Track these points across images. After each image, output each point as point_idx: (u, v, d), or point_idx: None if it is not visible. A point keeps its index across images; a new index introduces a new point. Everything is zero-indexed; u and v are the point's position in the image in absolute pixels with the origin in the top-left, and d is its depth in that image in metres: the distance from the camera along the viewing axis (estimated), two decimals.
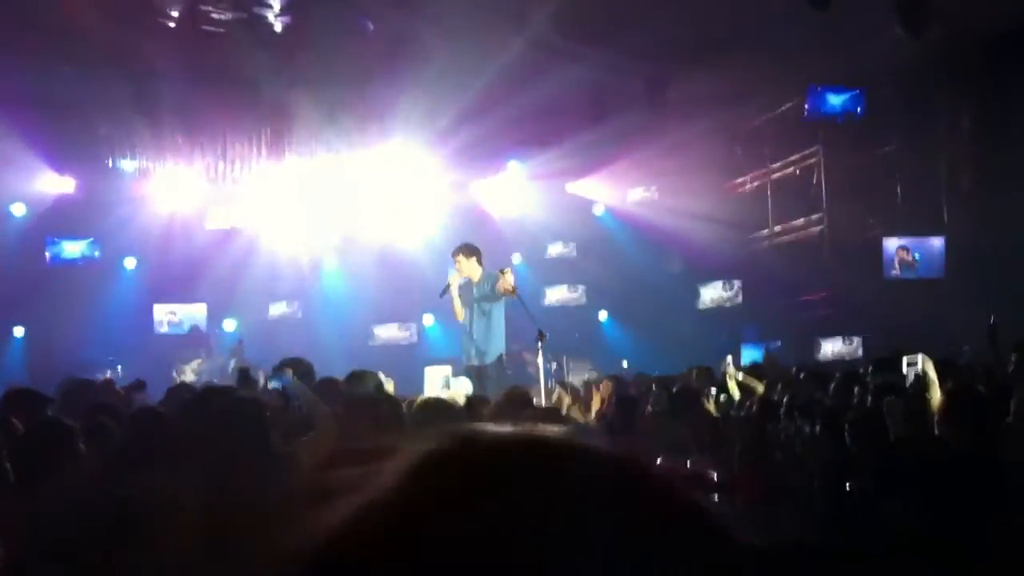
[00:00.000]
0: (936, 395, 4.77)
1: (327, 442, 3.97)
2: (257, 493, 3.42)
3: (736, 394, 7.58)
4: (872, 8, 11.29)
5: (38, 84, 13.53)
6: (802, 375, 8.20)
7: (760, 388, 7.61)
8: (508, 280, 8.83)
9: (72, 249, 16.28)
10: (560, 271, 17.80)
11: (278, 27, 12.37)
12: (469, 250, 9.22)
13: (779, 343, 14.59)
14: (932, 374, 5.04)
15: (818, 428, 5.33)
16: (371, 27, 12.48)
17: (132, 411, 4.82)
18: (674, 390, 7.52)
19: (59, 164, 15.78)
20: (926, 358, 5.22)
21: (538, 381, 8.69)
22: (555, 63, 13.05)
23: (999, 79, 12.51)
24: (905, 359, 5.48)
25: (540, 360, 8.60)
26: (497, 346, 8.92)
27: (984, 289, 11.89)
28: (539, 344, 8.54)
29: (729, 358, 8.36)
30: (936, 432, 4.00)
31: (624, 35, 12.20)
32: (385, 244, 16.69)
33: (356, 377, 5.18)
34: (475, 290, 9.09)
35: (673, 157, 16.07)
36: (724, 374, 8.00)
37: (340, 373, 6.13)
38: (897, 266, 13.77)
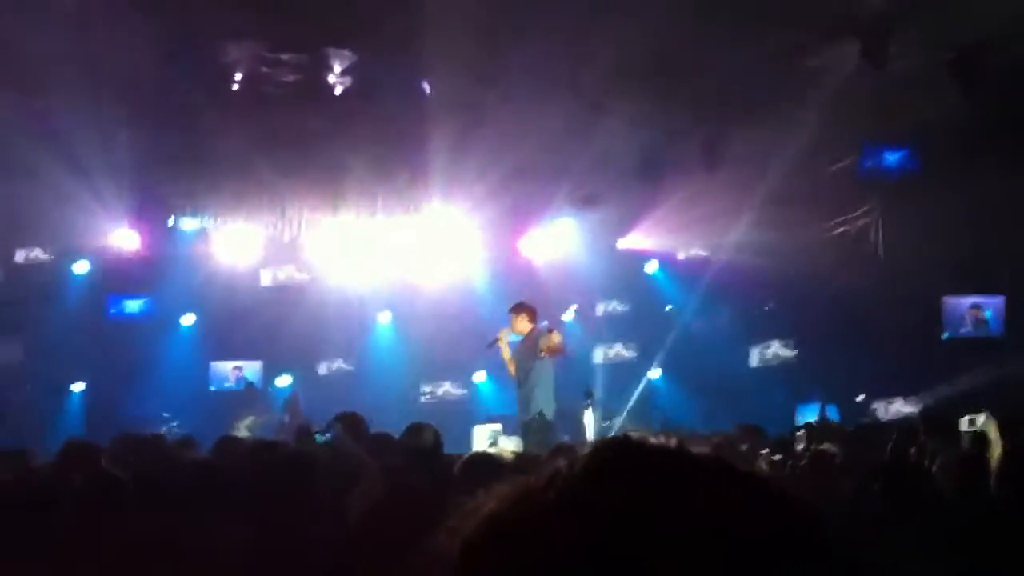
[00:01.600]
0: (996, 455, 4.66)
1: (373, 494, 3.99)
2: (305, 542, 3.45)
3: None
4: (926, 66, 11.26)
5: (103, 144, 13.92)
6: (858, 434, 8.07)
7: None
8: (553, 340, 9.02)
9: (132, 306, 16.60)
10: (611, 329, 17.73)
11: (338, 90, 12.64)
12: (520, 308, 9.42)
13: (835, 405, 14.37)
14: (994, 433, 4.93)
15: (874, 486, 5.23)
16: (428, 90, 12.70)
17: (185, 464, 4.89)
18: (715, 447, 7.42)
19: (122, 222, 16.16)
20: (989, 416, 5.12)
21: (586, 439, 8.68)
22: (608, 122, 13.17)
23: None
24: (966, 418, 5.38)
25: (587, 418, 8.64)
26: (538, 403, 9.02)
27: None
28: (588, 402, 8.60)
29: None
30: (993, 494, 3.91)
31: (677, 94, 12.29)
32: (438, 301, 16.77)
33: (414, 430, 5.20)
34: (521, 348, 9.25)
35: (726, 215, 16.02)
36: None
37: (392, 428, 6.15)
38: (969, 324, 13.54)
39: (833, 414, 13.35)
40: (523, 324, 9.34)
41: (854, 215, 15.50)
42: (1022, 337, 12.49)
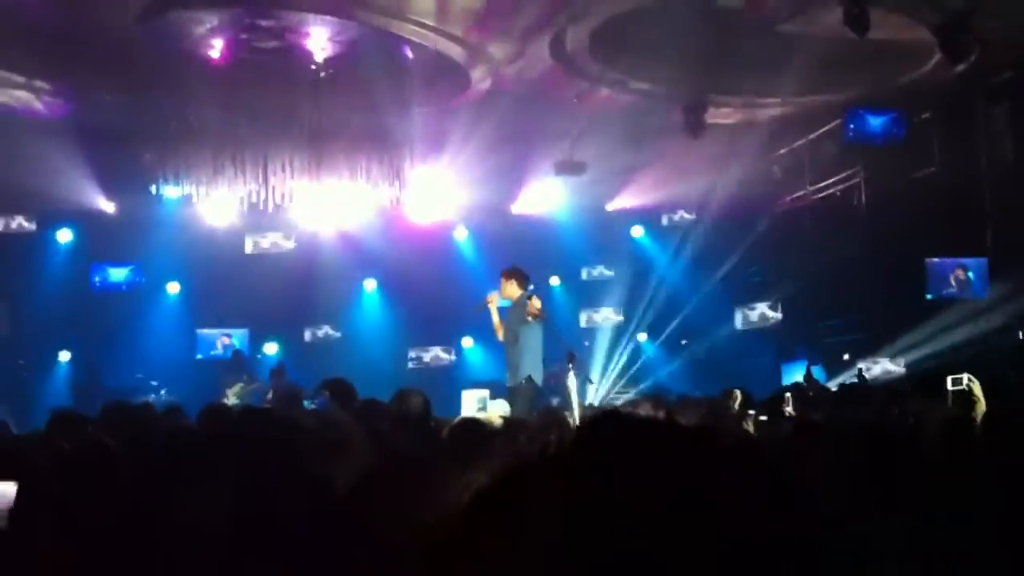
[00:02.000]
0: (980, 414, 4.72)
1: (362, 462, 3.99)
2: (291, 510, 3.45)
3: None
4: (912, 32, 11.24)
5: (83, 111, 13.82)
6: (843, 395, 8.13)
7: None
8: (533, 305, 9.07)
9: (117, 274, 16.54)
10: (598, 293, 17.81)
11: (319, 55, 12.53)
12: (510, 273, 9.44)
13: (820, 365, 14.48)
14: (979, 392, 4.98)
15: (860, 449, 5.27)
16: (411, 56, 12.60)
17: (173, 431, 4.88)
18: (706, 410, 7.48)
19: (104, 190, 16.08)
20: (972, 377, 5.17)
21: (571, 402, 8.74)
22: (592, 87, 13.13)
23: None
24: (950, 378, 5.43)
25: (571, 381, 8.68)
26: (526, 367, 9.07)
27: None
28: (570, 366, 8.65)
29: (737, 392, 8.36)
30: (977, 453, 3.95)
31: (661, 59, 12.25)
32: (424, 266, 16.78)
33: (403, 396, 5.20)
34: (511, 312, 9.29)
35: (712, 179, 16.06)
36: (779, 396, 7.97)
37: (380, 395, 6.16)
38: (954, 284, 13.63)
39: (819, 374, 13.45)
40: (512, 289, 9.35)
41: (839, 178, 15.56)
42: (1004, 298, 12.57)
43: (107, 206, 16.39)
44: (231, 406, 11.47)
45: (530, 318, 9.03)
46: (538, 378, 9.06)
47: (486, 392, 8.55)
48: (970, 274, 13.73)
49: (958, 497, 3.36)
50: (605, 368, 15.62)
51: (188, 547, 3.26)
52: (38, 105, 13.65)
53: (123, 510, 3.56)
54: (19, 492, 3.81)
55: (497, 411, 7.45)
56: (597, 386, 13.24)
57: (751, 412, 7.60)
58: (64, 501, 3.65)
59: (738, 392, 8.17)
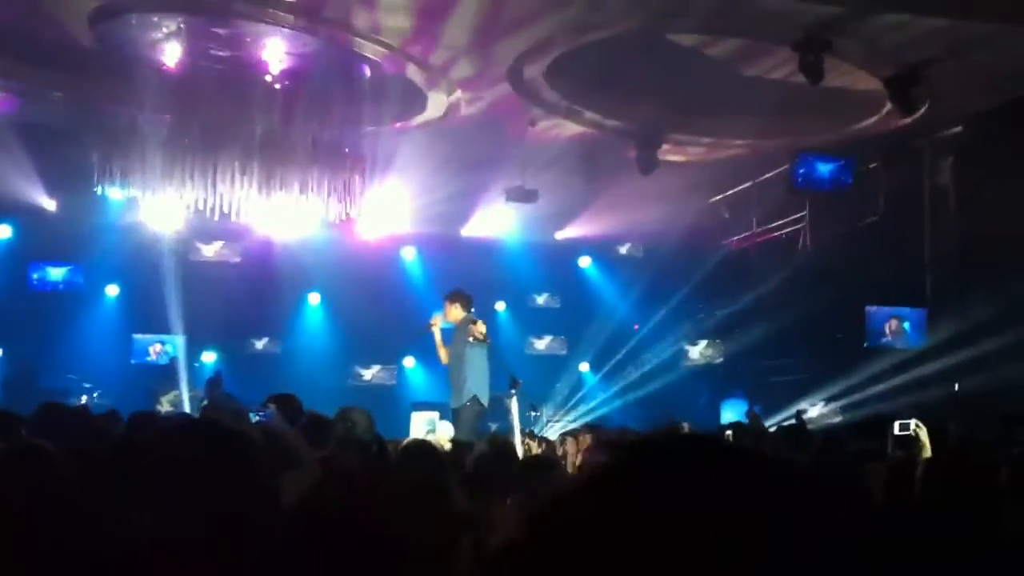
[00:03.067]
0: (923, 459, 4.79)
1: (309, 478, 3.94)
2: (240, 526, 3.39)
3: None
4: (864, 82, 11.49)
5: (30, 108, 13.59)
6: (781, 435, 8.22)
7: None
8: (478, 328, 9.12)
9: (56, 274, 16.24)
10: (544, 321, 17.87)
11: (275, 67, 12.46)
12: (454, 296, 9.49)
13: (759, 404, 14.65)
14: (925, 439, 5.07)
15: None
16: (368, 72, 12.58)
17: (115, 438, 4.78)
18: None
19: (46, 188, 15.79)
20: (919, 424, 5.26)
21: (514, 428, 8.75)
22: (548, 117, 13.21)
23: (980, 152, 12.73)
24: (897, 423, 5.52)
25: (514, 407, 8.70)
26: (469, 389, 9.09)
27: (962, 362, 12.05)
28: (513, 391, 8.68)
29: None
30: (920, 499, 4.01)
31: (616, 95, 12.38)
32: (369, 284, 16.70)
33: (347, 414, 5.15)
34: (455, 335, 9.33)
35: (662, 216, 16.22)
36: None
37: (321, 410, 6.10)
38: (889, 333, 13.87)
39: (758, 413, 13.61)
40: (456, 312, 9.42)
41: (785, 221, 15.81)
42: (941, 348, 12.83)
43: (48, 204, 16.10)
44: (164, 414, 11.30)
45: (471, 339, 9.08)
46: (484, 400, 9.08)
47: (435, 414, 8.53)
48: (905, 324, 14.01)
49: (900, 539, 3.41)
50: (546, 397, 15.63)
51: (135, 556, 3.19)
52: None
53: (65, 518, 3.48)
54: None
55: (445, 434, 7.42)
56: (540, 414, 13.26)
57: None
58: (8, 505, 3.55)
59: (685, 426, 8.24)
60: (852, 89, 11.73)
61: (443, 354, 9.50)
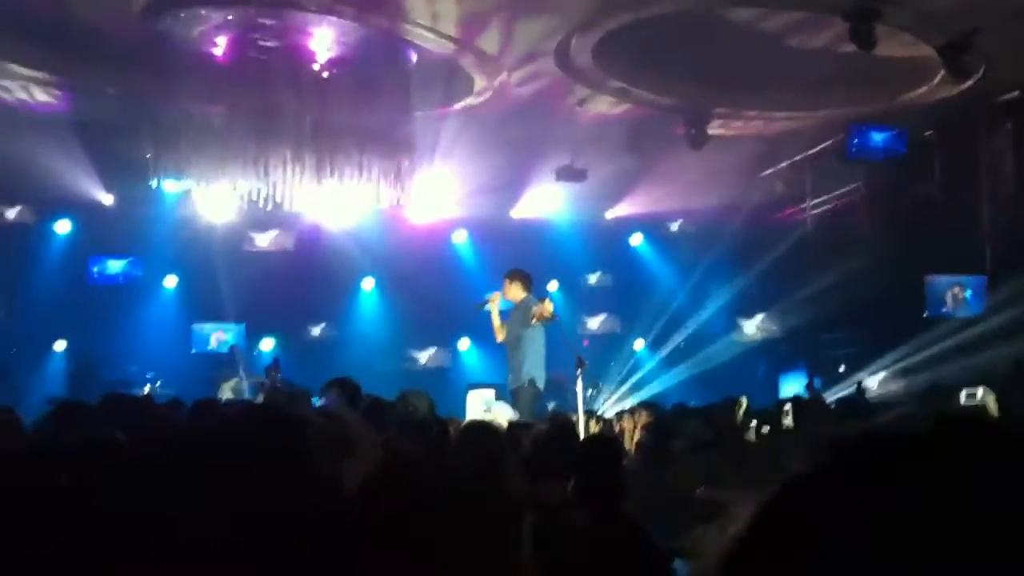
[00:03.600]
0: None
1: (370, 464, 3.98)
2: (302, 510, 3.44)
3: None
4: (916, 50, 11.29)
5: (84, 105, 13.81)
6: (843, 408, 8.14)
7: None
8: (546, 308, 9.05)
9: (115, 267, 16.54)
10: (597, 300, 17.84)
11: (322, 56, 12.53)
12: (514, 275, 9.47)
13: (819, 377, 14.52)
14: (993, 406, 5.00)
15: None
16: (415, 59, 12.60)
17: (179, 427, 4.87)
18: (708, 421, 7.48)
19: (103, 182, 16.08)
20: (987, 390, 5.18)
21: (576, 408, 8.75)
22: (596, 95, 13.14)
23: None
24: (964, 391, 5.45)
25: (579, 387, 8.68)
26: (527, 371, 9.09)
27: (1021, 331, 11.86)
28: (578, 371, 8.64)
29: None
30: None
31: (665, 70, 12.28)
32: (423, 267, 16.78)
33: (407, 397, 5.18)
34: (513, 315, 9.30)
35: (713, 191, 16.10)
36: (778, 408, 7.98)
37: (378, 394, 6.15)
38: (950, 302, 13.67)
39: (817, 387, 13.50)
40: (516, 291, 9.37)
41: (840, 193, 15.62)
42: (1002, 317, 12.62)
43: (106, 199, 16.39)
44: (224, 401, 11.47)
45: (534, 321, 9.05)
46: (540, 382, 9.08)
47: (491, 392, 8.53)
48: (967, 292, 13.79)
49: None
50: (601, 375, 15.60)
51: (200, 544, 3.25)
52: (40, 97, 13.63)
53: (134, 504, 3.55)
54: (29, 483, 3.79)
55: (503, 414, 7.44)
56: (602, 393, 13.26)
57: (752, 423, 7.62)
58: (74, 493, 3.64)
59: (743, 400, 8.19)
60: (904, 57, 11.54)
61: (499, 332, 9.51)
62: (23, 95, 13.48)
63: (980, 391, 5.18)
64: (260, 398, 11.45)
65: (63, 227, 16.64)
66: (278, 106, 13.54)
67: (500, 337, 9.50)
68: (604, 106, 13.54)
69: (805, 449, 6.16)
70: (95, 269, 16.45)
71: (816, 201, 16.10)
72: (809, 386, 12.84)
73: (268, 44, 12.39)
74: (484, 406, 7.99)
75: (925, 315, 13.71)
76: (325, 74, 12.72)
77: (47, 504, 3.72)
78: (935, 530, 0.69)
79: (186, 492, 3.71)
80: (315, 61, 12.51)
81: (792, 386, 14.48)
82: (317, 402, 5.07)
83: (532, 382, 8.98)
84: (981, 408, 5.05)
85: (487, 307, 9.55)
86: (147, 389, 13.59)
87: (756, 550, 0.75)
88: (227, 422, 4.63)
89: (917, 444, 0.76)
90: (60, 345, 16.12)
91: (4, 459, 3.91)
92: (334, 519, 3.61)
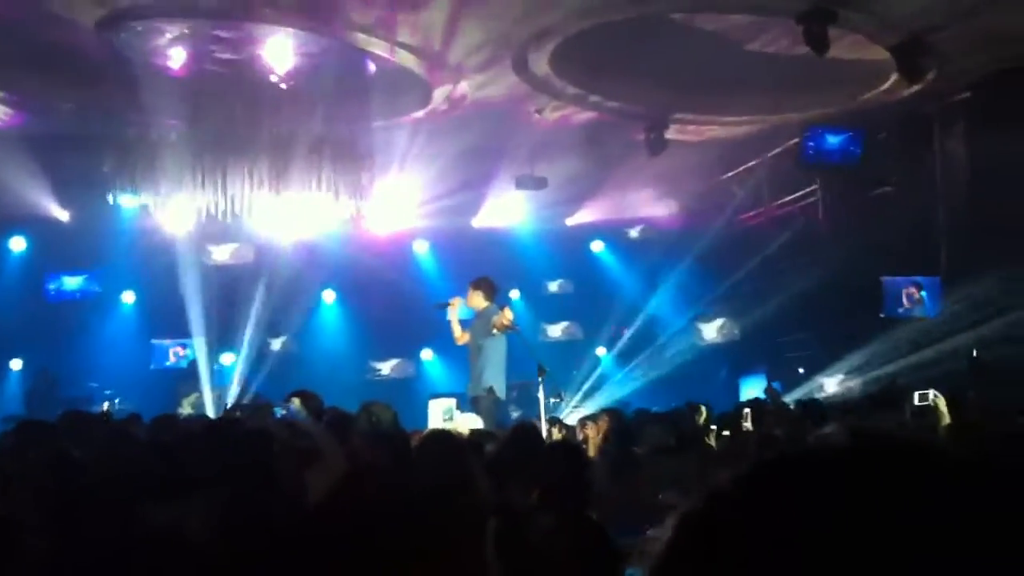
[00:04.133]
0: (942, 427, 4.80)
1: (335, 474, 3.98)
2: (268, 521, 3.43)
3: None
4: (870, 52, 11.44)
5: (39, 119, 13.66)
6: (800, 411, 8.22)
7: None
8: (505, 316, 9.11)
9: (72, 283, 16.36)
10: (559, 307, 17.89)
11: (280, 68, 12.49)
12: (478, 283, 9.50)
13: (778, 380, 14.64)
14: (944, 408, 5.08)
15: None
16: (372, 67, 12.60)
17: (140, 442, 4.84)
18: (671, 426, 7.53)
19: (58, 198, 15.90)
20: (938, 394, 5.27)
21: (539, 415, 8.77)
22: (554, 102, 13.20)
23: (990, 117, 12.65)
24: (916, 394, 5.53)
25: (540, 394, 8.71)
26: (487, 379, 9.12)
27: (978, 329, 12.03)
28: (539, 379, 8.68)
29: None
30: None
31: (622, 77, 12.36)
32: (383, 279, 16.74)
33: (370, 409, 5.18)
34: (474, 323, 9.34)
35: (672, 196, 16.22)
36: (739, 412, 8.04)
37: (341, 406, 6.14)
38: (907, 302, 13.84)
39: (777, 389, 13.61)
40: (478, 300, 9.42)
41: (797, 196, 15.79)
42: (957, 315, 12.81)
43: (61, 214, 16.20)
44: (185, 416, 11.39)
45: (495, 331, 9.09)
46: (500, 390, 9.10)
47: (453, 402, 8.54)
48: (923, 293, 13.98)
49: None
50: (564, 382, 15.64)
51: (168, 557, 3.23)
52: None
53: (101, 522, 3.53)
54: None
55: (466, 422, 7.44)
56: (564, 400, 13.29)
57: (712, 427, 7.68)
58: (42, 511, 3.61)
59: (703, 408, 8.25)
60: (858, 60, 11.69)
61: (457, 335, 9.59)
62: None
63: (931, 393, 5.27)
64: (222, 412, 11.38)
65: (18, 244, 16.43)
66: (236, 118, 13.48)
67: (458, 339, 9.58)
68: (563, 114, 13.60)
69: (762, 452, 6.22)
70: (51, 286, 16.28)
71: (773, 204, 16.26)
72: (768, 389, 12.96)
73: (225, 56, 12.34)
74: (445, 415, 8.00)
75: (882, 315, 13.87)
76: (283, 85, 12.67)
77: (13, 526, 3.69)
78: (833, 550, 0.72)
79: (152, 507, 3.69)
80: (273, 72, 12.46)
81: (753, 389, 14.59)
82: (279, 413, 5.05)
83: (491, 390, 9.02)
84: (927, 408, 5.14)
85: (447, 310, 9.62)
86: (106, 406, 13.43)
87: (676, 560, 0.78)
88: (189, 436, 4.62)
89: (827, 464, 0.78)
90: (17, 363, 15.91)
91: None
92: (298, 530, 3.60)
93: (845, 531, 0.72)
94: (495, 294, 9.56)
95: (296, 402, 4.90)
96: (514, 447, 4.58)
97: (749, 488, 0.79)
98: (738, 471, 0.79)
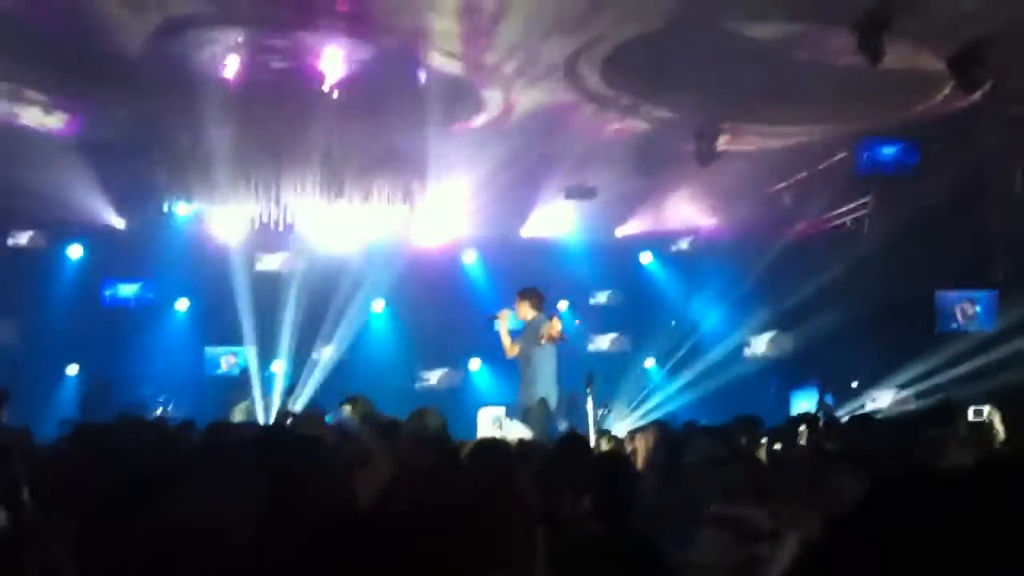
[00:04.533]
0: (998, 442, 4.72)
1: (383, 477, 3.99)
2: (315, 525, 3.45)
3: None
4: (925, 61, 11.29)
5: (95, 128, 13.90)
6: (853, 425, 8.11)
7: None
8: (554, 326, 9.06)
9: (127, 290, 16.62)
10: (607, 319, 17.83)
11: (331, 76, 12.60)
12: (525, 294, 9.48)
13: (830, 393, 14.46)
14: (999, 424, 4.99)
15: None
16: (424, 76, 12.67)
17: (192, 447, 4.89)
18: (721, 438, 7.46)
19: (115, 206, 16.18)
20: (994, 408, 5.19)
21: (587, 426, 8.74)
22: (605, 114, 13.18)
23: None
24: (972, 409, 5.45)
25: (589, 405, 8.69)
26: (539, 390, 9.09)
27: None
28: (588, 389, 8.65)
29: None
30: None
31: (674, 86, 12.31)
32: (432, 288, 16.81)
33: (420, 414, 5.20)
34: (524, 333, 9.32)
35: (723, 208, 16.10)
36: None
37: (389, 414, 6.16)
38: (960, 317, 13.61)
39: (829, 403, 13.45)
40: (526, 310, 9.40)
41: (850, 208, 15.60)
42: (1014, 330, 12.58)
43: (118, 222, 16.49)
44: (237, 423, 11.46)
45: (543, 340, 9.06)
46: (552, 401, 9.07)
47: (502, 410, 8.52)
48: (977, 308, 13.74)
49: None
50: (612, 394, 15.59)
51: (217, 561, 3.25)
52: (52, 121, 13.72)
53: (147, 527, 3.56)
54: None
55: (515, 431, 7.44)
56: (612, 412, 13.24)
57: (763, 441, 7.59)
58: (92, 513, 3.65)
59: (755, 421, 8.17)
60: (913, 69, 11.54)
61: (508, 347, 9.54)
62: (34, 119, 13.56)
63: (987, 409, 5.18)
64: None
65: (75, 252, 16.75)
66: (289, 127, 13.63)
67: (510, 353, 9.53)
68: (614, 123, 13.57)
69: (815, 465, 6.14)
70: (107, 293, 16.53)
71: (826, 216, 16.08)
72: (820, 403, 12.80)
73: (279, 65, 12.48)
74: (494, 421, 7.98)
75: (936, 331, 13.65)
76: (335, 94, 12.78)
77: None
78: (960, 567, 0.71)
79: (202, 508, 3.72)
80: (325, 81, 12.57)
81: (804, 403, 14.42)
82: (330, 419, 5.08)
83: (543, 401, 8.99)
84: (982, 424, 5.05)
85: (497, 320, 9.60)
86: (159, 412, 13.62)
87: None
88: (240, 442, 4.65)
89: (956, 489, 0.78)
90: (73, 369, 16.19)
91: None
92: (347, 533, 3.61)
93: (975, 549, 0.73)
94: (542, 304, 9.54)
95: (347, 408, 4.93)
96: (563, 457, 4.56)
97: (874, 510, 0.79)
98: (857, 494, 0.80)
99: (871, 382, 14.11)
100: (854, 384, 14.63)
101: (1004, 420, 5.09)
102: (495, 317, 9.61)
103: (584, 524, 4.02)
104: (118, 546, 3.36)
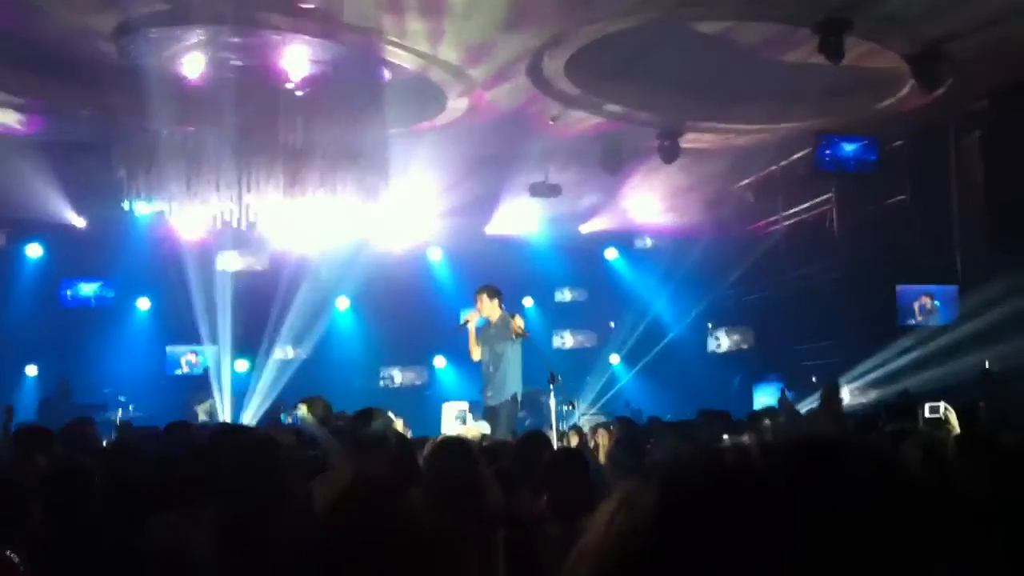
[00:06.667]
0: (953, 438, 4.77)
1: (341, 481, 3.96)
2: (273, 530, 3.42)
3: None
4: (886, 60, 11.38)
5: (56, 126, 13.72)
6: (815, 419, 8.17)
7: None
8: (517, 323, 9.08)
9: (87, 289, 16.43)
10: (572, 315, 17.86)
11: (295, 74, 12.51)
12: (491, 291, 9.42)
13: (792, 389, 14.56)
14: (954, 421, 5.06)
15: None
16: (388, 75, 12.61)
17: (147, 450, 4.84)
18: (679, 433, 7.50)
19: (75, 205, 15.98)
20: (948, 406, 5.26)
21: (551, 422, 8.74)
22: (569, 111, 13.18)
23: (1006, 126, 12.58)
24: (927, 405, 5.51)
25: (552, 402, 8.68)
26: (509, 387, 9.07)
27: (994, 339, 11.93)
28: (551, 386, 8.65)
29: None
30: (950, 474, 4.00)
31: (637, 85, 12.34)
32: (396, 286, 16.75)
33: (365, 415, 5.16)
34: (491, 330, 9.27)
35: (686, 204, 16.16)
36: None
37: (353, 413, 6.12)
38: (919, 312, 13.74)
39: (790, 397, 13.53)
40: (493, 308, 9.35)
41: (811, 204, 15.72)
42: (974, 325, 12.71)
43: (78, 221, 16.29)
44: (200, 423, 11.38)
45: (513, 336, 9.05)
46: (520, 396, 9.08)
47: (466, 405, 8.46)
48: (936, 302, 13.87)
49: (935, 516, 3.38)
50: (577, 390, 15.62)
51: (173, 565, 3.22)
52: (11, 120, 13.54)
53: (104, 529, 3.53)
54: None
55: (476, 429, 7.42)
56: (576, 408, 13.26)
57: (726, 436, 7.62)
58: (43, 520, 3.61)
59: (724, 416, 8.22)
60: (874, 68, 11.63)
61: (475, 351, 9.43)
62: None
63: (941, 405, 5.26)
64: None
65: (34, 250, 16.53)
66: (251, 125, 13.51)
67: (476, 356, 9.44)
68: (578, 121, 13.57)
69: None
70: (67, 292, 16.35)
71: (787, 212, 16.20)
72: (781, 397, 12.89)
73: (240, 63, 12.37)
74: (458, 417, 7.93)
75: (896, 324, 13.78)
76: (298, 92, 12.69)
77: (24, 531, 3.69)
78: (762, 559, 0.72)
79: (155, 521, 3.69)
80: (288, 80, 12.48)
81: (766, 397, 14.52)
82: (285, 419, 5.05)
83: (514, 397, 9.00)
84: (938, 420, 5.12)
85: (466, 326, 9.51)
86: (120, 413, 13.47)
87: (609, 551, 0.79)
88: (195, 446, 4.61)
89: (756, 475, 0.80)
90: (32, 370, 15.98)
91: None
92: (304, 542, 3.59)
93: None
94: (502, 299, 9.52)
95: (303, 408, 4.89)
96: (523, 455, 4.55)
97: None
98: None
99: (832, 376, 14.22)
100: (814, 379, 14.74)
101: (960, 414, 5.15)
102: (465, 323, 9.51)
103: (544, 524, 4.01)
104: (67, 560, 3.31)
